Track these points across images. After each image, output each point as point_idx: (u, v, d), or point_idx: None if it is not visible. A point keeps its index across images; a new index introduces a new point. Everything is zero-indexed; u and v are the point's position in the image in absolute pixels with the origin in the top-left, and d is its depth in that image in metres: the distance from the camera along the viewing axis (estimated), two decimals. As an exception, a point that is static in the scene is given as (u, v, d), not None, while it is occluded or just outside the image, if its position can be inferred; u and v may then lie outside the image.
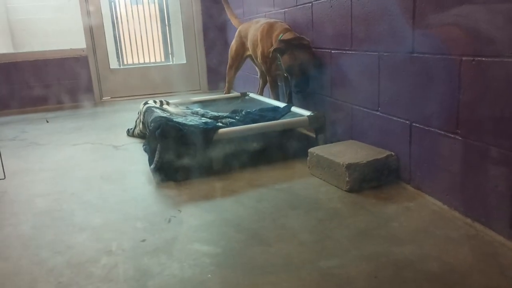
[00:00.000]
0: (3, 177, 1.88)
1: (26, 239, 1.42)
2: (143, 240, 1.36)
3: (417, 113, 1.57)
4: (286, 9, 2.64)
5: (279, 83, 2.72)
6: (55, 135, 2.93)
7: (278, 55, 2.28)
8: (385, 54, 1.71)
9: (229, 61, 3.12)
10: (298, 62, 2.22)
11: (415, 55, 1.54)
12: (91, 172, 2.10)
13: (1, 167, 1.88)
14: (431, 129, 1.51)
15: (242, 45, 2.96)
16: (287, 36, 2.29)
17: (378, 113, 1.81)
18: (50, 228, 1.50)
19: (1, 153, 1.92)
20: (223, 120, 2.16)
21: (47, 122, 3.39)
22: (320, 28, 2.24)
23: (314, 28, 2.31)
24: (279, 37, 2.34)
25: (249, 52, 2.86)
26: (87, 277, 1.17)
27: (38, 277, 1.18)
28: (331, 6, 2.08)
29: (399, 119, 1.68)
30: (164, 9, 4.52)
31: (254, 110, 2.28)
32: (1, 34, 4.83)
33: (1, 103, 3.91)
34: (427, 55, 1.48)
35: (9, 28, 4.97)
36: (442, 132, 1.45)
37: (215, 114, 2.28)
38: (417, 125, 1.58)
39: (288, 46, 2.23)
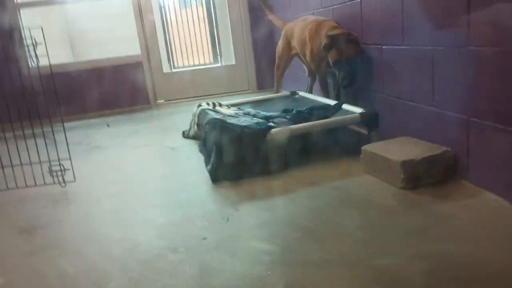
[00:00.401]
0: (74, 180, 2.03)
1: (97, 237, 1.54)
2: (204, 238, 1.43)
3: (475, 108, 1.53)
4: (334, 6, 2.64)
5: (328, 81, 2.72)
6: (115, 139, 3.10)
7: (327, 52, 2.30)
8: (438, 48, 1.68)
9: (277, 60, 3.16)
10: (345, 56, 2.24)
11: (470, 48, 1.50)
12: (151, 173, 2.22)
13: (72, 171, 2.03)
14: (489, 123, 1.46)
15: (288, 44, 2.99)
16: (335, 32, 2.31)
17: (433, 108, 1.77)
18: (118, 226, 1.61)
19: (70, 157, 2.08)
20: (275, 120, 2.20)
21: (108, 126, 3.60)
22: (370, 24, 2.22)
23: (363, 24, 2.29)
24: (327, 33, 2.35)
25: (296, 51, 2.89)
26: (155, 273, 1.25)
27: (111, 273, 1.29)
28: (381, 1, 2.06)
29: (455, 114, 1.64)
30: (212, 11, 4.63)
31: (305, 109, 2.31)
32: (63, 45, 5.17)
33: (65, 110, 4.17)
34: (484, 47, 1.44)
35: (69, 39, 5.31)
36: (502, 127, 1.41)
37: (267, 114, 2.33)
38: (475, 119, 1.54)
39: (335, 41, 2.24)
